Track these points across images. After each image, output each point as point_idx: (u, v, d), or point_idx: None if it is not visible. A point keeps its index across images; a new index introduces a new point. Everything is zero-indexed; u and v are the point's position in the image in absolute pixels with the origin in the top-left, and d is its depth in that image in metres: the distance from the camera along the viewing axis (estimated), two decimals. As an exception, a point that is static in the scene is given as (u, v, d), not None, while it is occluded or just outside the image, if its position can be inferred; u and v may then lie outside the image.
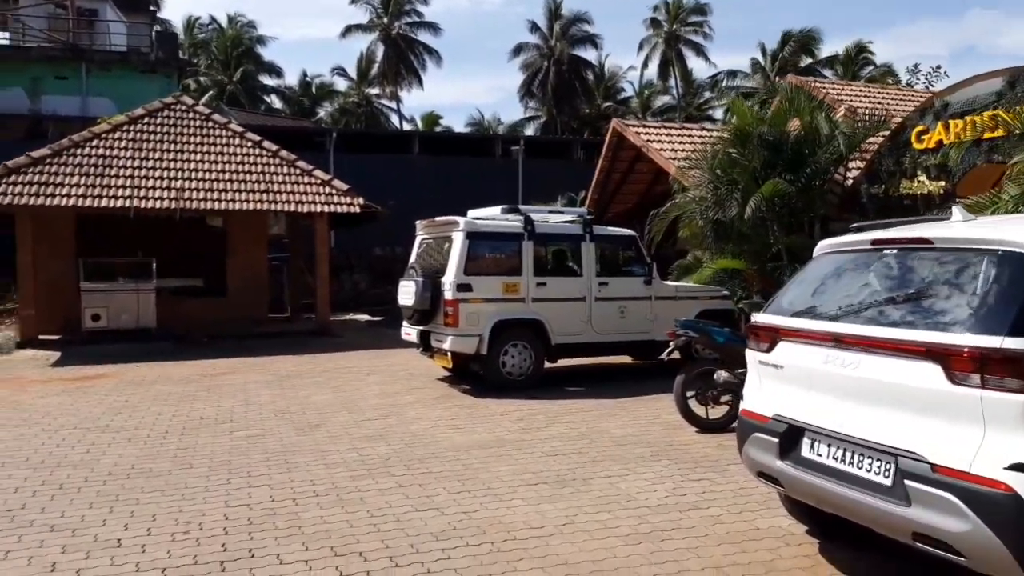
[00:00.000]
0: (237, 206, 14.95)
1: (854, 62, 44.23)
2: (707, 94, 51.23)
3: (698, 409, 7.45)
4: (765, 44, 46.25)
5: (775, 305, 4.37)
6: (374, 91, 51.04)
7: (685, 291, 10.72)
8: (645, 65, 50.28)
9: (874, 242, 3.94)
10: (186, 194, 14.82)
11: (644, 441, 7.01)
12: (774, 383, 4.16)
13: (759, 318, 4.36)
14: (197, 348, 14.09)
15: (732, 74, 48.79)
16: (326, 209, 15.56)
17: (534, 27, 48.73)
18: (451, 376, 10.38)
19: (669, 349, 7.58)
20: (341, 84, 51.54)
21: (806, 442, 3.85)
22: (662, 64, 50.04)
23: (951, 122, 9.83)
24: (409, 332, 10.34)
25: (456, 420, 7.97)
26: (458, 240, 9.43)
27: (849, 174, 11.76)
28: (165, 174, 15.15)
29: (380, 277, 22.42)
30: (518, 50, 49.25)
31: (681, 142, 14.83)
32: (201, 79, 45.91)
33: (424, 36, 48.47)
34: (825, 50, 45.76)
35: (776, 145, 10.85)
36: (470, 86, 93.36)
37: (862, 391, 3.56)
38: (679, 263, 12.93)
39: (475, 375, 9.96)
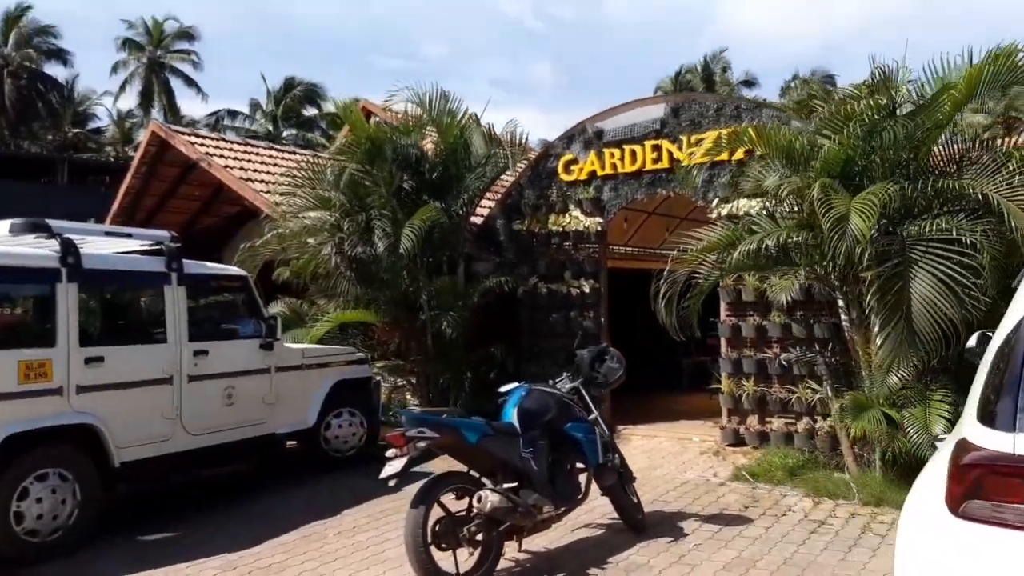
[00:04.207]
0: None
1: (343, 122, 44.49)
2: (205, 132, 46.45)
3: (441, 556, 4.43)
4: (269, 87, 43.84)
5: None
6: None
7: (314, 356, 7.44)
8: (122, 89, 43.14)
9: None
10: None
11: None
12: None
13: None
14: None
15: (233, 114, 45.27)
16: None
17: (-19, 30, 37.99)
18: None
19: (404, 464, 4.36)
20: None
21: None
22: (144, 93, 43.64)
23: (606, 151, 8.72)
24: None
25: None
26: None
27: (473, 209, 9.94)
28: None
29: None
30: (-41, 54, 37.75)
31: (249, 160, 11.40)
32: None
33: None
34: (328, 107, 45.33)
35: (416, 164, 8.46)
36: None
37: None
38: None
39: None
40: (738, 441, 7.86)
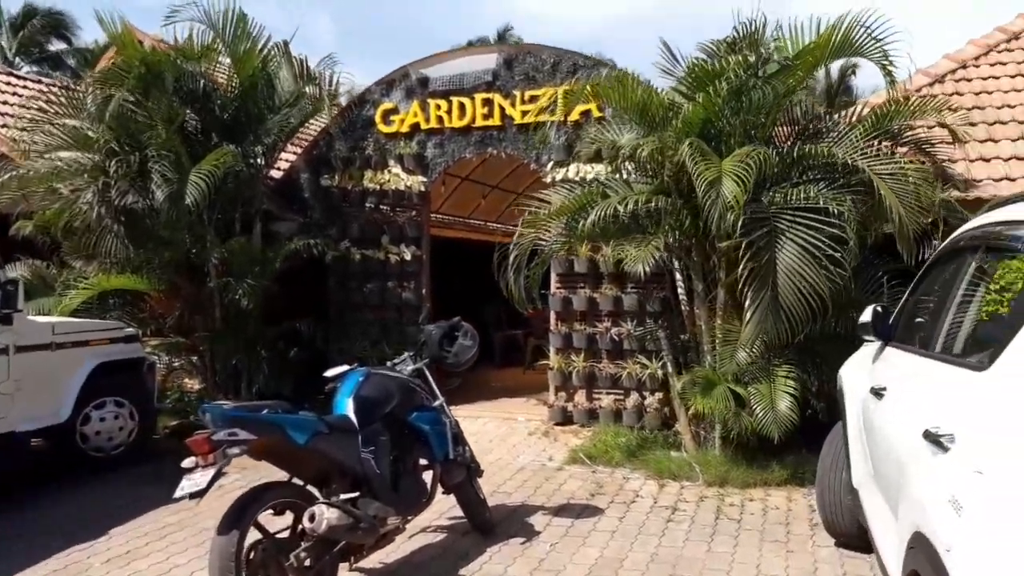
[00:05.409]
0: None
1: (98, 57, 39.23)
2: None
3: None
4: (4, 15, 37.26)
5: None
6: None
7: (68, 333, 5.87)
8: None
9: None
10: None
11: None
12: None
13: None
14: None
15: (-44, 44, 38.17)
16: None
17: None
18: None
19: (211, 477, 3.26)
20: None
21: None
22: None
23: (431, 102, 7.84)
24: None
25: None
26: None
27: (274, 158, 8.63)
28: None
29: None
30: None
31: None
32: None
33: None
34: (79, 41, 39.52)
35: (205, 98, 7.05)
36: None
37: None
38: (-1, 283, 7.53)
39: None
40: (566, 419, 7.46)
